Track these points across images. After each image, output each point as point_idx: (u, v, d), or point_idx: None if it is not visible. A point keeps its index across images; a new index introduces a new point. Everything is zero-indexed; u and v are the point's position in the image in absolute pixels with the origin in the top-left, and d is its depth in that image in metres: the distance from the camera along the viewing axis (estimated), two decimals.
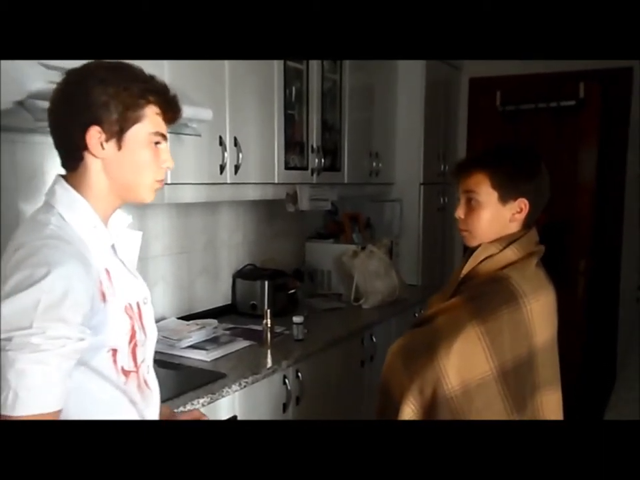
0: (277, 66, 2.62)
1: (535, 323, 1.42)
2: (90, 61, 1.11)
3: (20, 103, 1.43)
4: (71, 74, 1.10)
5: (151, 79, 1.12)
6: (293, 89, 2.78)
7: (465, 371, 1.39)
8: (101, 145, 1.08)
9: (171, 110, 1.15)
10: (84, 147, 1.08)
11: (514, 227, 1.51)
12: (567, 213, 3.69)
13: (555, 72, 3.63)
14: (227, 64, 2.32)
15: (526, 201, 1.48)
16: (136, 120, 1.09)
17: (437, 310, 1.53)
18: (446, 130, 3.96)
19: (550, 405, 1.46)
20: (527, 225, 1.52)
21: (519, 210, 1.49)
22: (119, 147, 1.10)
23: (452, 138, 4.05)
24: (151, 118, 1.11)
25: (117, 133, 1.09)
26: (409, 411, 1.42)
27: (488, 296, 1.44)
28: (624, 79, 3.59)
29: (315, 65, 2.88)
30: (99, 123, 1.07)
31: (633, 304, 3.55)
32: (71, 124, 1.09)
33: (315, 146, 2.92)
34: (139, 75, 1.11)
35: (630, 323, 3.53)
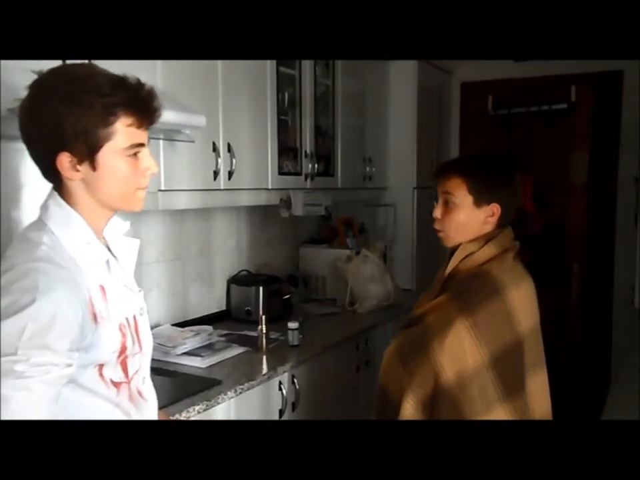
0: (269, 71, 2.62)
1: (518, 311, 1.51)
2: (53, 67, 1.06)
3: (12, 111, 1.42)
4: (33, 88, 1.04)
5: (119, 86, 1.03)
6: (286, 94, 2.78)
7: (458, 362, 1.47)
8: (75, 167, 1.04)
9: (145, 116, 1.07)
10: (58, 170, 1.05)
11: (488, 228, 1.60)
12: (559, 215, 3.70)
13: (546, 75, 3.65)
14: (219, 70, 2.32)
15: (498, 206, 1.58)
16: (106, 138, 1.03)
17: (425, 309, 1.61)
18: (438, 134, 3.97)
19: (537, 385, 1.55)
20: (500, 225, 1.61)
21: (491, 214, 1.59)
22: (94, 168, 1.05)
23: (444, 142, 4.06)
24: (122, 132, 1.04)
25: (88, 155, 1.03)
26: (408, 407, 1.49)
27: (472, 291, 1.53)
28: (615, 81, 3.61)
29: (307, 70, 2.88)
30: (67, 148, 1.02)
31: (627, 306, 3.55)
32: (40, 147, 1.05)
33: (308, 151, 2.92)
34: (103, 86, 1.02)
35: (624, 324, 3.53)
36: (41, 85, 1.04)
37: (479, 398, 1.46)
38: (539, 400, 1.54)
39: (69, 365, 0.98)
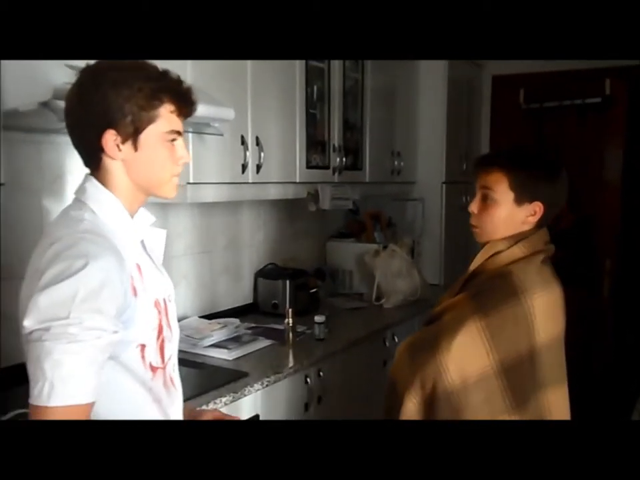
0: (298, 65, 2.62)
1: (537, 319, 1.41)
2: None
3: (45, 104, 1.45)
4: (84, 74, 1.09)
5: (164, 75, 1.11)
6: (315, 87, 2.77)
7: (465, 365, 1.40)
8: (117, 147, 1.09)
9: (185, 106, 1.14)
10: (101, 149, 1.09)
11: (526, 227, 1.51)
12: (592, 211, 3.63)
13: (579, 69, 3.57)
14: (248, 63, 2.33)
15: (541, 205, 1.48)
16: (150, 120, 1.09)
17: (444, 307, 1.55)
18: (468, 128, 3.92)
19: (557, 403, 1.46)
20: (539, 225, 1.52)
21: (532, 213, 1.49)
22: (135, 148, 1.10)
23: (475, 136, 4.01)
24: (165, 117, 1.11)
25: (132, 135, 1.09)
26: (411, 406, 1.44)
27: (490, 291, 1.46)
28: None
29: (336, 64, 2.87)
30: (113, 126, 1.07)
31: None
32: (87, 127, 1.09)
33: (336, 145, 2.91)
34: (151, 73, 1.10)
35: None
36: (91, 72, 1.09)
37: (483, 406, 1.39)
38: (558, 417, 1.45)
39: (115, 332, 1.00)
